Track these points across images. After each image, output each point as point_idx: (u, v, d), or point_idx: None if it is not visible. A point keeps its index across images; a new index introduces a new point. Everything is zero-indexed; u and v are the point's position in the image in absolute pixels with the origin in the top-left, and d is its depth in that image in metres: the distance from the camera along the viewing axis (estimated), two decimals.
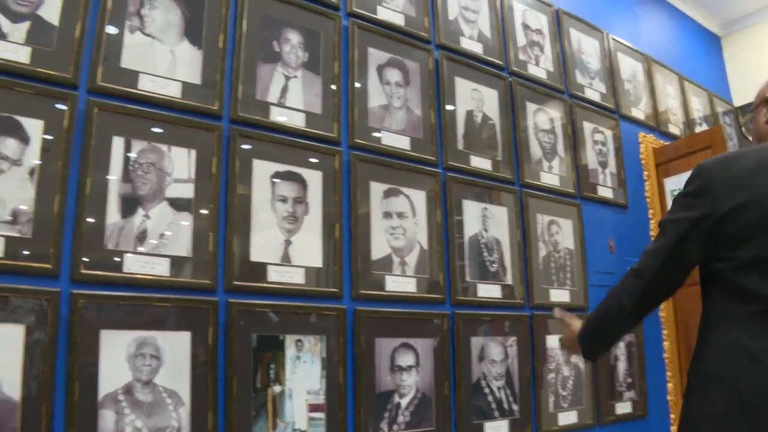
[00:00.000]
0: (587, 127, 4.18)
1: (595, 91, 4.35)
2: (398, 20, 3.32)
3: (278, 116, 2.75)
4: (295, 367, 2.54)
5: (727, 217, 1.92)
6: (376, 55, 3.18)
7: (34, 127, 2.15)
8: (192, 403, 2.27)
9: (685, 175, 4.07)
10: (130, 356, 2.18)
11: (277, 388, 2.48)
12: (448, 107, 3.40)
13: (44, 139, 2.16)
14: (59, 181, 2.15)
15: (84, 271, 2.14)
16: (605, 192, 4.15)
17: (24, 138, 2.12)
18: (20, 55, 2.16)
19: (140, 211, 2.32)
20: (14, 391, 1.95)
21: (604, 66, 4.53)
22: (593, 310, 2.28)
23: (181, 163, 2.45)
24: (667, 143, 4.73)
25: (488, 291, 3.28)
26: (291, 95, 2.83)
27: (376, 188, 2.99)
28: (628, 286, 2.12)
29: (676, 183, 4.40)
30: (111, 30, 2.40)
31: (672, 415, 4.08)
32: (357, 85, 3.05)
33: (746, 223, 1.90)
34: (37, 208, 2.10)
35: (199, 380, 2.30)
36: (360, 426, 2.66)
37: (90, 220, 2.20)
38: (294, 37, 2.90)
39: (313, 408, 2.55)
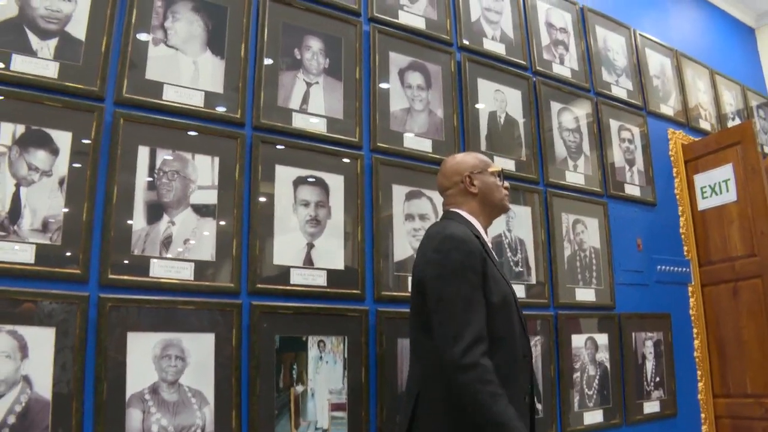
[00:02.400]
0: (614, 125, 4.18)
1: (621, 88, 4.34)
2: (419, 24, 3.36)
3: (300, 122, 2.82)
4: (318, 368, 2.61)
5: None
6: (398, 59, 3.23)
7: (63, 138, 2.25)
8: (216, 402, 2.35)
9: (715, 171, 4.05)
10: (156, 357, 2.26)
11: (299, 388, 2.54)
12: (471, 109, 3.43)
13: (73, 150, 2.26)
14: (87, 190, 2.25)
15: (111, 276, 2.24)
16: (633, 190, 4.14)
17: (53, 149, 2.22)
18: (49, 70, 2.27)
19: (165, 218, 2.40)
20: (46, 390, 2.05)
21: (632, 62, 4.51)
22: None
23: (204, 171, 2.53)
24: (697, 139, 4.69)
25: None
26: (313, 101, 2.89)
27: (399, 191, 3.04)
28: None
29: (706, 179, 4.37)
30: (135, 43, 2.49)
31: (703, 415, 4.06)
32: (380, 88, 3.11)
33: None
34: (67, 216, 2.20)
35: (223, 380, 2.38)
36: (382, 425, 2.71)
37: (117, 227, 2.29)
38: (315, 44, 2.96)
39: (336, 407, 2.61)
